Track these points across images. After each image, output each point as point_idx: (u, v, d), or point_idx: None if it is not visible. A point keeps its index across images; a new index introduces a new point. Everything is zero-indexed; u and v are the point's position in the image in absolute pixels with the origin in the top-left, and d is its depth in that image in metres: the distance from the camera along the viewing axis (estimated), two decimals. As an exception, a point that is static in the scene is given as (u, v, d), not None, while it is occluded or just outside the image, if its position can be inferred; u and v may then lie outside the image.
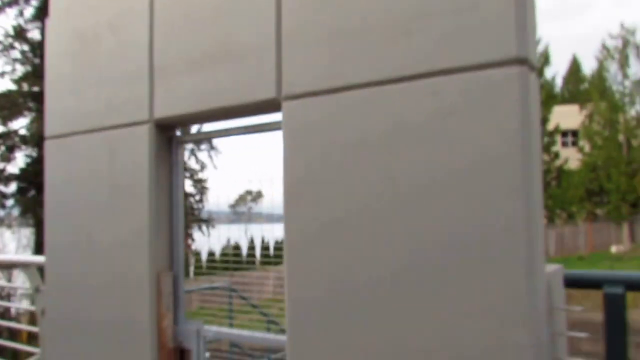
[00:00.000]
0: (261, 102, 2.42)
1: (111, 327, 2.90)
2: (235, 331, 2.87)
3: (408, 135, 1.99)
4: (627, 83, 33.29)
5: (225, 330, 2.79)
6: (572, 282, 2.22)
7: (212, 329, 2.78)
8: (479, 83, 1.85)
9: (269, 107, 2.44)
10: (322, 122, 2.21)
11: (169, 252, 2.93)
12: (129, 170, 2.90)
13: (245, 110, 2.54)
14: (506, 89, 1.80)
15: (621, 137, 31.97)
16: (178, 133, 2.98)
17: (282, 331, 4.52)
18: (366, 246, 2.06)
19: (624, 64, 33.89)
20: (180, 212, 2.93)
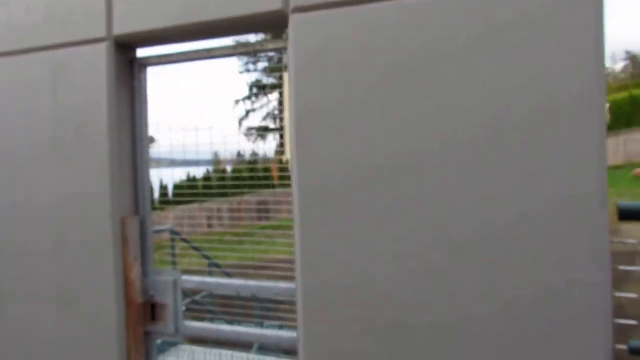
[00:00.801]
0: (261, 16, 2.06)
1: (68, 289, 2.48)
2: (222, 281, 2.56)
3: (454, 56, 1.76)
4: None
5: (209, 280, 2.47)
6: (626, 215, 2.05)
7: (194, 280, 2.45)
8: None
9: (271, 22, 2.10)
10: (342, 40, 1.91)
11: (133, 194, 2.53)
12: (80, 100, 2.42)
13: (239, 26, 2.16)
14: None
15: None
16: (142, 54, 2.53)
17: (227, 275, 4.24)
18: (406, 209, 1.84)
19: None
20: (145, 147, 2.52)
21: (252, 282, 2.35)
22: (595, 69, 1.60)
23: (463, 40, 1.74)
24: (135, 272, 2.44)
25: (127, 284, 2.43)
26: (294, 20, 1.97)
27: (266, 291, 2.37)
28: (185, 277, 2.51)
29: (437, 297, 1.86)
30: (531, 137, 1.66)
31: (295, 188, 2.07)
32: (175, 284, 2.43)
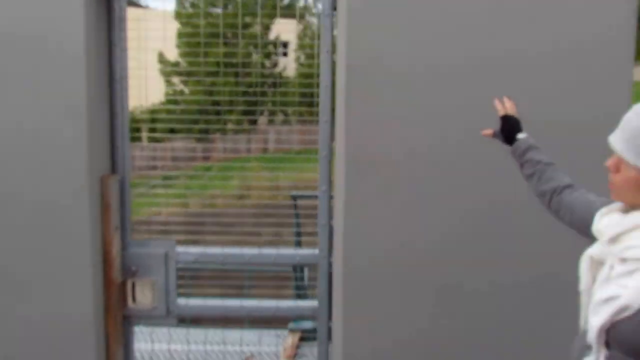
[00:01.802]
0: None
1: (29, 270, 1.90)
2: (231, 251, 2.13)
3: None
4: (337, 4, 36.57)
5: (214, 250, 2.06)
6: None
7: (192, 251, 2.05)
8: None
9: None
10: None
11: (110, 149, 2.01)
12: (43, 34, 1.82)
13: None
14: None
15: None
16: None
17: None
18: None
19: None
20: (125, 93, 2.01)
21: (268, 250, 2.05)
22: None
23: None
24: (116, 245, 1.98)
25: (106, 260, 1.96)
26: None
27: (286, 259, 2.10)
28: (180, 249, 2.09)
29: (471, 263, 1.88)
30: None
31: (340, 157, 1.87)
32: (167, 257, 2.03)
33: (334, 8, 1.95)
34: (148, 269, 2.04)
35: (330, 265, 2.03)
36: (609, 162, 1.11)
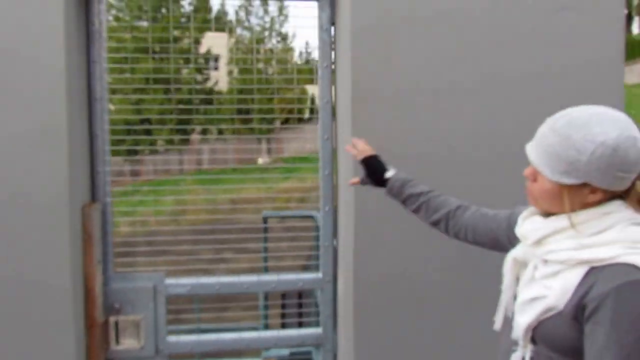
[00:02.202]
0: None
1: (6, 312, 1.66)
2: (227, 279, 1.91)
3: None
4: (267, 19, 36.85)
5: (208, 280, 1.86)
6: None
7: (184, 283, 1.87)
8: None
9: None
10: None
11: (89, 173, 1.82)
12: (17, 47, 1.61)
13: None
14: None
15: (261, 65, 35.52)
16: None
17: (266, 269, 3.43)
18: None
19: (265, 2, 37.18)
20: (105, 114, 1.82)
21: (268, 277, 1.90)
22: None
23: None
24: (99, 281, 1.77)
25: (88, 297, 1.75)
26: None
27: (288, 284, 1.95)
28: (170, 281, 1.89)
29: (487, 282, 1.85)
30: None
31: (345, 175, 1.79)
32: (155, 291, 1.85)
33: (333, 23, 1.87)
34: (133, 305, 1.85)
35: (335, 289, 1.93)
36: (527, 172, 1.15)
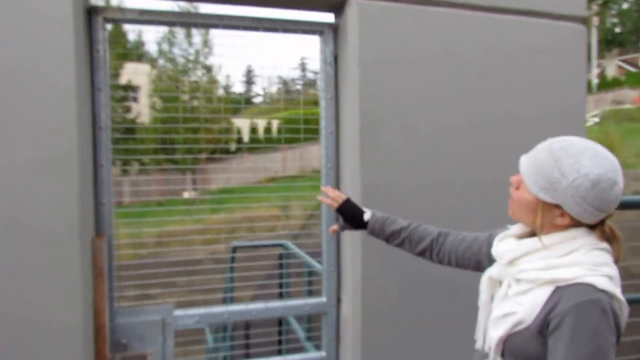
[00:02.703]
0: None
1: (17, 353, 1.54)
2: (236, 307, 1.87)
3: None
4: (192, 50, 36.51)
5: (218, 309, 1.82)
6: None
7: (193, 313, 1.83)
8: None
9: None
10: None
11: (93, 203, 1.76)
12: (28, 72, 1.57)
13: None
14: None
15: (185, 97, 34.86)
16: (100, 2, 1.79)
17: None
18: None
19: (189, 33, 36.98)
20: (108, 143, 1.79)
21: (275, 303, 1.89)
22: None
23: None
24: (107, 316, 1.71)
25: (98, 335, 1.68)
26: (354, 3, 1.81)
27: (295, 310, 1.94)
28: (179, 312, 1.83)
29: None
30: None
31: (357, 200, 1.87)
32: (164, 324, 1.80)
33: (335, 56, 1.96)
34: (141, 340, 1.79)
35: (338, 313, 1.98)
36: (513, 178, 1.26)
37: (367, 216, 1.60)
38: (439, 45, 1.91)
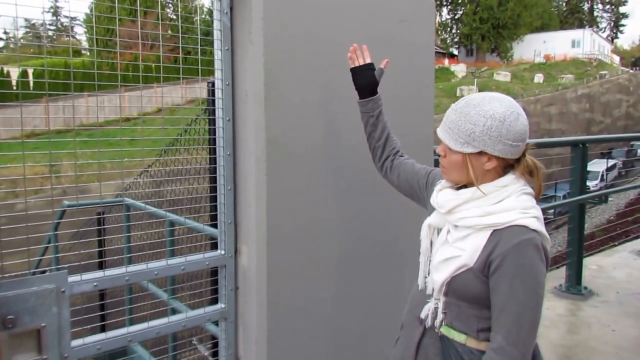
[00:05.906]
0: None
1: None
2: (137, 267, 1.59)
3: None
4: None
5: (115, 271, 1.58)
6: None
7: (88, 277, 1.63)
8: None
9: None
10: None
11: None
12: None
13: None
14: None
15: None
16: None
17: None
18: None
19: None
20: None
21: (175, 260, 1.76)
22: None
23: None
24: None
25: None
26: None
27: (196, 265, 1.83)
28: (73, 278, 1.59)
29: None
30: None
31: (250, 154, 1.92)
32: (58, 292, 1.62)
33: (231, 7, 1.93)
34: (32, 314, 1.58)
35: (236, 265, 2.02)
36: (439, 149, 1.39)
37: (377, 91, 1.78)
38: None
